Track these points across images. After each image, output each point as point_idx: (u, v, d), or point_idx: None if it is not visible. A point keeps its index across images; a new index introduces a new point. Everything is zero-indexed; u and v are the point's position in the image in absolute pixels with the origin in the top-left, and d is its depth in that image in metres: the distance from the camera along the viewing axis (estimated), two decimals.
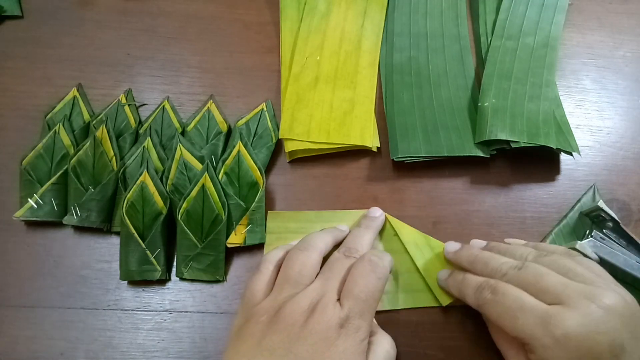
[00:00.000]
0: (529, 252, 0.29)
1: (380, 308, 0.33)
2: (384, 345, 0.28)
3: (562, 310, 0.24)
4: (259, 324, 0.26)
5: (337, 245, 0.32)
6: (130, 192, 0.34)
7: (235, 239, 0.34)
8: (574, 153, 0.36)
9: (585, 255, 0.33)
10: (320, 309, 0.25)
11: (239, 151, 0.36)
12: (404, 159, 0.36)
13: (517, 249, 0.30)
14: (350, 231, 0.33)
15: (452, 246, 0.33)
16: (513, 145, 0.35)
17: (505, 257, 0.29)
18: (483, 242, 0.33)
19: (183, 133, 0.38)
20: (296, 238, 0.32)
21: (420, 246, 0.34)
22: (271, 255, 0.30)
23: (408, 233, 0.34)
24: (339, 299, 0.26)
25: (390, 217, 0.35)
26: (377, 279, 0.27)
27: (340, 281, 0.27)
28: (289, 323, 0.25)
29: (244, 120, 0.38)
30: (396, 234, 0.34)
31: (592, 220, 0.35)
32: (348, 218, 0.35)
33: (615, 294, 0.24)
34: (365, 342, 0.25)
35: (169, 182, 0.35)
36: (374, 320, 0.30)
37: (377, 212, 0.35)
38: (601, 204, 0.34)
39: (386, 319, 0.33)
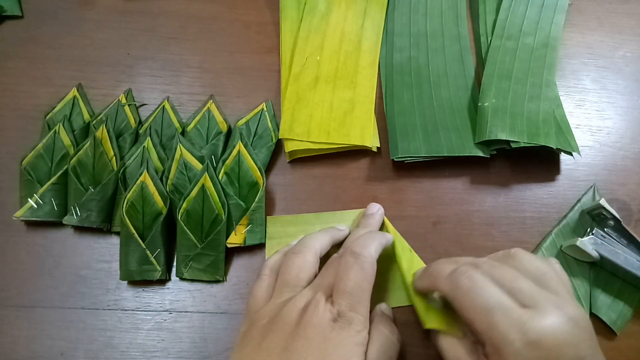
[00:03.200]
0: (508, 251, 0.28)
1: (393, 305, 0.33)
2: (384, 335, 0.27)
3: (537, 315, 0.23)
4: (259, 327, 0.26)
5: (338, 246, 0.32)
6: (130, 192, 0.34)
7: (235, 239, 0.34)
8: (574, 153, 0.36)
9: (585, 253, 0.33)
10: (312, 306, 0.26)
11: (239, 151, 0.36)
12: (404, 159, 0.36)
13: (490, 257, 0.29)
14: (350, 232, 0.33)
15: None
16: (513, 145, 0.35)
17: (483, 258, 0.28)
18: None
19: (183, 133, 0.38)
20: None
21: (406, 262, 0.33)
22: (270, 261, 0.31)
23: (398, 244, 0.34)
24: (331, 296, 0.26)
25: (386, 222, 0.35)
26: (361, 269, 0.27)
27: (332, 280, 0.27)
28: (285, 323, 0.25)
29: (244, 120, 0.38)
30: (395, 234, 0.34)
31: (593, 218, 0.35)
32: (347, 218, 0.35)
33: (579, 308, 0.24)
34: (363, 334, 0.25)
35: (169, 182, 0.35)
36: (382, 313, 0.30)
37: (375, 208, 0.35)
38: (603, 202, 0.34)
39: None
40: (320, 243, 0.30)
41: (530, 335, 0.22)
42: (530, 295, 0.24)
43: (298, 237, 0.33)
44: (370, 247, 0.28)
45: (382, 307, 0.31)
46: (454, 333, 0.28)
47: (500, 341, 0.23)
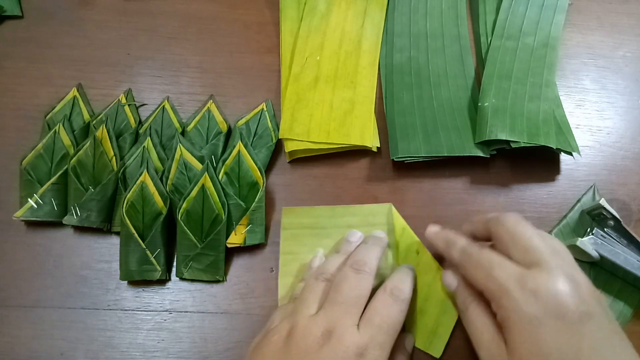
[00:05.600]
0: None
1: None
2: None
3: (536, 270, 0.25)
4: (271, 344, 0.26)
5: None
6: (130, 192, 0.34)
7: (235, 239, 0.34)
8: (574, 153, 0.36)
9: (585, 253, 0.33)
10: (337, 335, 0.25)
11: (239, 151, 0.36)
12: (404, 159, 0.36)
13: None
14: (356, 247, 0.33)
15: (433, 228, 0.33)
16: (513, 145, 0.35)
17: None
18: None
19: (183, 133, 0.38)
20: (310, 233, 0.34)
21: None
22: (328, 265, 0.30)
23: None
24: (357, 325, 0.26)
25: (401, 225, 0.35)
26: (400, 311, 0.27)
27: (355, 305, 0.27)
28: (303, 350, 0.24)
29: (244, 120, 0.38)
30: (418, 252, 0.34)
31: (593, 218, 0.35)
32: (361, 212, 0.35)
33: (583, 275, 0.26)
34: None
35: (169, 182, 0.35)
36: (404, 348, 0.31)
37: (380, 234, 0.34)
38: (603, 202, 0.34)
39: None
40: (377, 259, 0.30)
41: (528, 285, 0.24)
42: (536, 253, 0.25)
43: (312, 229, 0.35)
44: (407, 289, 0.28)
45: (407, 341, 0.31)
46: None
47: (499, 291, 0.25)
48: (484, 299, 0.28)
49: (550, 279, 0.24)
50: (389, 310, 0.26)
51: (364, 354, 0.24)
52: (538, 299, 0.24)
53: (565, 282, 0.24)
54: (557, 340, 0.23)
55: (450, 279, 0.31)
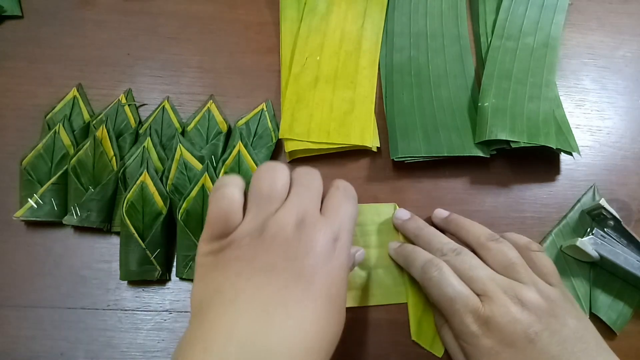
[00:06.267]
0: (481, 234, 0.31)
1: (352, 304, 0.33)
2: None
3: (487, 301, 0.27)
4: (241, 247, 0.24)
5: None
6: (130, 192, 0.34)
7: None
8: (574, 153, 0.36)
9: (585, 253, 0.33)
10: (310, 223, 0.24)
11: (239, 151, 0.36)
12: (404, 159, 0.36)
13: (473, 227, 0.32)
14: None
15: (403, 214, 0.35)
16: (513, 145, 0.35)
17: (461, 233, 0.32)
18: (446, 213, 0.35)
19: (183, 133, 0.38)
20: None
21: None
22: (230, 180, 0.26)
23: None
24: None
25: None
26: (355, 206, 0.28)
27: (317, 195, 0.26)
28: (282, 240, 0.23)
29: (244, 120, 0.38)
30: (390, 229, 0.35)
31: (593, 218, 0.35)
32: (367, 211, 0.35)
33: (533, 291, 0.27)
34: (349, 258, 0.27)
35: (169, 182, 0.35)
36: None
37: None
38: (603, 202, 0.34)
39: (377, 316, 0.33)
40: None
41: (482, 318, 0.26)
42: (483, 284, 0.27)
43: None
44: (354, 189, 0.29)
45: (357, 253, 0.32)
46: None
47: (461, 325, 0.27)
48: None
49: (497, 309, 0.26)
50: (347, 203, 0.27)
51: (338, 238, 0.25)
52: (493, 331, 0.26)
53: (512, 308, 0.26)
54: None
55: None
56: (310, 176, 0.27)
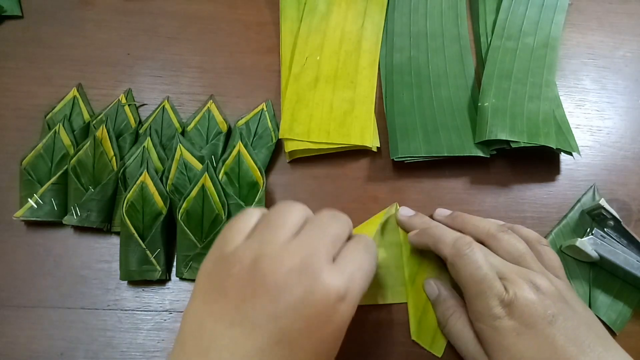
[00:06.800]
0: (490, 226, 0.31)
1: (366, 302, 0.33)
2: None
3: (509, 285, 0.27)
4: (231, 277, 0.21)
5: None
6: (130, 192, 0.34)
7: None
8: (574, 153, 0.36)
9: (585, 253, 0.33)
10: (314, 271, 0.21)
11: (239, 151, 0.36)
12: (404, 159, 0.36)
13: (481, 221, 0.32)
14: None
15: (407, 211, 0.34)
16: (513, 145, 0.35)
17: (468, 227, 0.31)
18: (448, 211, 0.35)
19: (183, 133, 0.38)
20: None
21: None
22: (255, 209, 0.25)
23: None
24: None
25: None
26: (373, 263, 0.25)
27: (332, 240, 0.23)
28: (272, 285, 0.20)
29: (244, 120, 0.38)
30: (422, 251, 0.34)
31: (593, 218, 0.35)
32: (374, 222, 0.35)
33: (544, 279, 0.27)
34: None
35: (169, 182, 0.35)
36: None
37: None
38: (603, 202, 0.34)
39: (377, 316, 0.33)
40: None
41: (505, 301, 0.26)
42: (500, 269, 0.28)
43: None
44: (374, 247, 0.27)
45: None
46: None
47: (485, 307, 0.27)
48: (465, 309, 0.30)
49: (519, 292, 0.26)
50: (364, 258, 0.24)
51: (345, 296, 0.21)
52: (514, 311, 0.26)
53: (530, 291, 0.26)
54: (534, 347, 0.25)
55: (432, 288, 0.32)
56: (332, 219, 0.24)
